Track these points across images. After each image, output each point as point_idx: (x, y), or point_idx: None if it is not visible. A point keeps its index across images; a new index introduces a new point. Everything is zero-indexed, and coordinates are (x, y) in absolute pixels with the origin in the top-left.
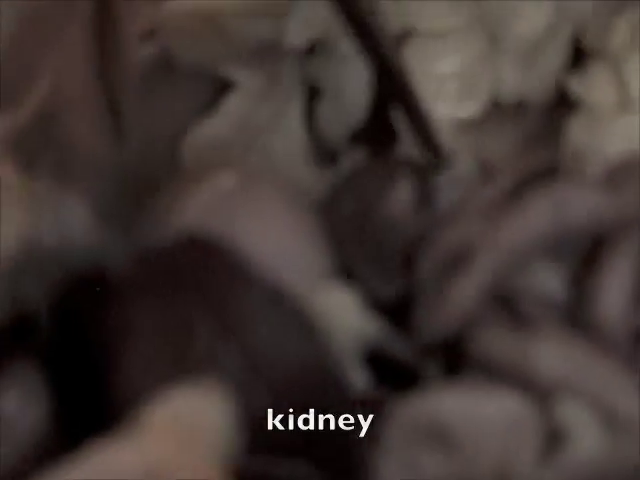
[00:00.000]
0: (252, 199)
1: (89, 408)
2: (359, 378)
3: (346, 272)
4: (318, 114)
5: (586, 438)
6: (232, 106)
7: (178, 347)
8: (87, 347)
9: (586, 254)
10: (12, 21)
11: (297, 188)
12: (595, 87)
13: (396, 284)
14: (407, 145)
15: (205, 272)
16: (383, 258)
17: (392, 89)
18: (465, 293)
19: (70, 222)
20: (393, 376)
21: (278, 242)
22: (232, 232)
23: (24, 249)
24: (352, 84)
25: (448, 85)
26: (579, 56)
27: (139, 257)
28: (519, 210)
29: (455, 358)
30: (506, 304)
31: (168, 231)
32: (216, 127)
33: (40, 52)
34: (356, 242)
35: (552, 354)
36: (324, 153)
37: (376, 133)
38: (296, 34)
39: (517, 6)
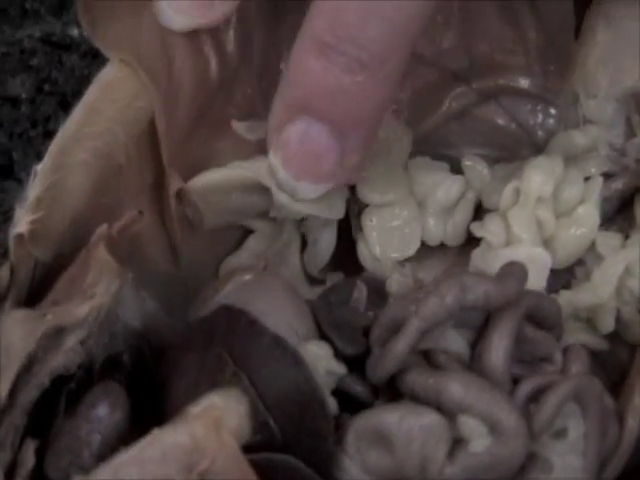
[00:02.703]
0: (263, 285)
1: (154, 417)
2: (331, 403)
3: (322, 337)
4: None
5: (479, 442)
6: (252, 243)
7: (211, 378)
8: (153, 377)
9: (480, 325)
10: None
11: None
12: (489, 229)
13: (355, 346)
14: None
15: (230, 327)
16: (347, 330)
17: None
18: (400, 349)
19: (146, 311)
20: (353, 408)
21: (280, 313)
22: (249, 306)
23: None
24: (323, 238)
25: (394, 236)
26: (480, 211)
27: (188, 325)
28: (436, 291)
29: (393, 392)
30: (426, 356)
31: (207, 310)
32: (242, 257)
33: (123, 202)
34: (329, 320)
35: (456, 385)
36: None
37: (348, 262)
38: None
39: (437, 181)
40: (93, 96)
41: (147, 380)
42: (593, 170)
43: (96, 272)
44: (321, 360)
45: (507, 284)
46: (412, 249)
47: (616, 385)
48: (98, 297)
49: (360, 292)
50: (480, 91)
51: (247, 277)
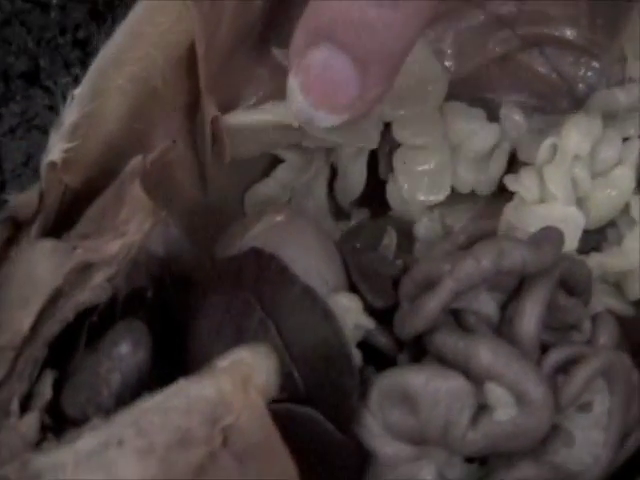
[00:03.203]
0: (295, 229)
1: (177, 357)
2: (355, 355)
3: (351, 289)
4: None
5: (504, 411)
6: (280, 173)
7: (237, 323)
8: (178, 315)
9: (512, 288)
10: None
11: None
12: (524, 184)
13: (385, 299)
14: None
15: (260, 273)
16: (377, 282)
17: None
18: (432, 309)
19: (170, 237)
20: (375, 359)
21: (310, 259)
22: (280, 251)
23: (141, 249)
24: (354, 169)
25: (423, 180)
26: (514, 162)
27: (215, 262)
28: (472, 254)
29: (418, 347)
30: (456, 316)
31: (235, 249)
32: (269, 187)
33: (155, 126)
34: (359, 270)
35: (486, 351)
36: (340, 212)
37: (374, 201)
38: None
39: (472, 129)
40: (135, 19)
41: (170, 315)
42: (632, 131)
43: (130, 209)
44: (350, 313)
45: (544, 251)
46: (442, 195)
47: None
48: (130, 235)
49: (390, 238)
50: (524, 38)
51: (278, 218)
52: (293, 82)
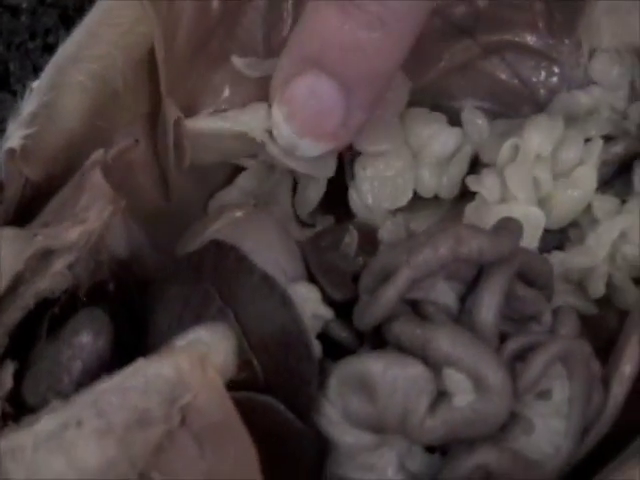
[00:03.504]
0: (255, 224)
1: (136, 350)
2: (315, 347)
3: (311, 281)
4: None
5: (463, 397)
6: (242, 181)
7: (196, 313)
8: (137, 304)
9: (470, 278)
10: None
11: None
12: (485, 184)
13: (344, 292)
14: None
15: (219, 263)
16: (336, 275)
17: None
18: (389, 297)
19: (132, 240)
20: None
21: (269, 251)
22: (239, 243)
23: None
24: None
25: (385, 186)
26: (476, 165)
27: (175, 259)
28: (430, 241)
29: (378, 339)
30: (414, 306)
31: (196, 244)
32: (231, 194)
33: (117, 125)
34: (319, 264)
35: (443, 337)
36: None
37: (339, 208)
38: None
39: (433, 133)
40: (94, 19)
41: (131, 311)
42: (593, 132)
43: (90, 196)
44: (309, 302)
45: (502, 239)
46: (404, 199)
47: (603, 351)
48: (90, 222)
49: (351, 237)
50: (484, 46)
51: (238, 214)
52: (277, 112)
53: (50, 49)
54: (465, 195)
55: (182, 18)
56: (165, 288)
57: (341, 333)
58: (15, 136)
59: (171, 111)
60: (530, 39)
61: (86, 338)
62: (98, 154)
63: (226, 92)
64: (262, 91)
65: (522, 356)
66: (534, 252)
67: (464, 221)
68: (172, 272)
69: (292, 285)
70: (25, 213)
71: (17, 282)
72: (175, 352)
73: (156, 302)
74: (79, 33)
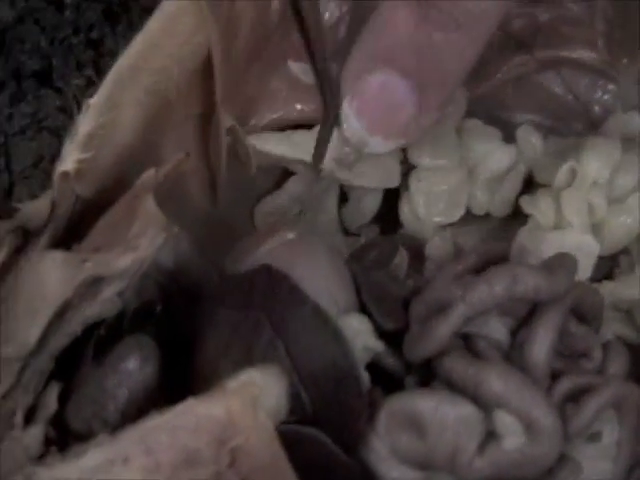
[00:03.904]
0: (306, 248)
1: (183, 372)
2: (363, 377)
3: (361, 310)
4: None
5: (512, 438)
6: (291, 186)
7: (246, 341)
8: (186, 330)
9: (523, 314)
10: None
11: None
12: (539, 207)
13: (395, 321)
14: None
15: (270, 290)
16: (387, 303)
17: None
18: (443, 333)
19: (179, 250)
20: (383, 381)
21: (321, 279)
22: (290, 269)
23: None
24: (368, 199)
25: (440, 200)
26: (530, 184)
27: (225, 278)
28: (486, 279)
29: (426, 370)
30: (465, 340)
31: (246, 264)
32: (279, 199)
33: (168, 138)
34: (369, 290)
35: (496, 378)
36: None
37: (384, 218)
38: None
39: (489, 150)
40: (154, 28)
41: (178, 330)
42: None
43: (142, 223)
44: (360, 335)
45: (557, 278)
46: (457, 215)
47: None
48: (141, 250)
49: (402, 258)
50: (541, 60)
51: (290, 236)
52: (348, 108)
53: (93, 44)
54: (516, 214)
55: (242, 20)
56: (214, 311)
57: (389, 361)
58: (70, 159)
59: (225, 119)
60: (588, 56)
61: (133, 365)
62: (150, 175)
63: (283, 98)
64: (319, 97)
65: (574, 397)
66: (587, 286)
67: (515, 243)
68: (221, 293)
69: (343, 317)
70: (75, 229)
71: (65, 308)
72: (227, 393)
73: (204, 325)
74: (138, 44)
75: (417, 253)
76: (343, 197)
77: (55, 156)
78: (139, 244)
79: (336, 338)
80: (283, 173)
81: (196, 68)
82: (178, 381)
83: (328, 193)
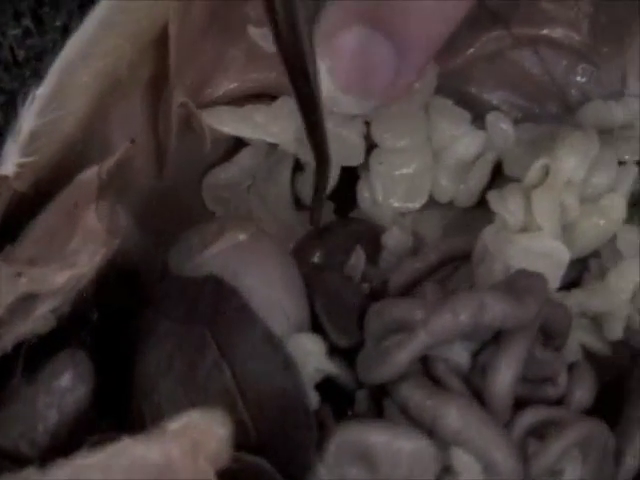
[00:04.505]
0: (258, 252)
1: (120, 392)
2: (312, 398)
3: (314, 324)
4: (298, 180)
5: (469, 477)
6: (244, 158)
7: (189, 359)
8: (122, 344)
9: (486, 338)
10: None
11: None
12: (508, 207)
13: (349, 338)
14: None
15: (218, 306)
16: (341, 317)
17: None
18: (401, 361)
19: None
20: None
21: (272, 291)
22: (240, 277)
23: None
24: None
25: (400, 185)
26: (498, 173)
27: (169, 280)
28: (450, 306)
29: (380, 389)
30: (425, 363)
31: (193, 264)
32: (229, 172)
33: (115, 121)
34: (323, 299)
35: (454, 414)
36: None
37: (340, 194)
38: None
39: (456, 135)
40: (108, 6)
41: (116, 335)
42: (627, 157)
43: (81, 238)
44: (312, 356)
45: (526, 306)
46: (418, 203)
47: (613, 387)
48: (79, 266)
49: (358, 258)
50: (518, 37)
51: (241, 237)
52: (321, 65)
53: None
54: (481, 202)
55: None
56: (156, 321)
57: (340, 375)
58: (11, 162)
59: (178, 93)
60: (569, 37)
61: (65, 383)
62: (92, 173)
63: (240, 66)
64: (280, 67)
65: (536, 430)
66: (555, 304)
67: (479, 245)
68: (164, 298)
69: (295, 336)
70: (8, 221)
71: None
72: (166, 436)
73: (145, 336)
74: (90, 24)
75: (374, 243)
76: (298, 167)
77: None
78: (77, 260)
79: (286, 366)
80: (235, 144)
81: (150, 39)
82: (116, 392)
83: (281, 164)
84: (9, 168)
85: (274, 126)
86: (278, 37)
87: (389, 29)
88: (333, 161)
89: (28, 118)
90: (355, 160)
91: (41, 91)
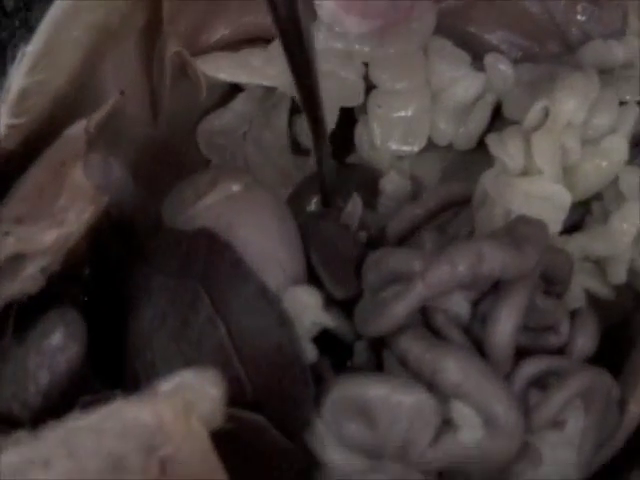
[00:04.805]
0: (252, 203)
1: (113, 349)
2: (310, 352)
3: (311, 275)
4: (296, 123)
5: (470, 431)
6: (239, 104)
7: (182, 315)
8: (115, 298)
9: (486, 287)
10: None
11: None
12: (508, 150)
13: (346, 289)
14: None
15: (211, 260)
16: (338, 268)
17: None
18: (399, 313)
19: (112, 180)
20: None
21: (268, 242)
22: (235, 229)
23: None
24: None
25: (398, 127)
26: (497, 116)
27: (162, 234)
28: (448, 257)
29: (379, 340)
30: (424, 314)
31: (186, 216)
32: (224, 118)
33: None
34: (319, 250)
35: (454, 367)
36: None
37: (338, 138)
38: None
39: (455, 77)
40: None
41: (108, 288)
42: (628, 97)
43: (69, 196)
44: (309, 309)
45: (525, 255)
46: (416, 146)
47: (617, 329)
48: (68, 224)
49: (355, 206)
50: None
51: (235, 188)
52: None
53: None
54: (480, 144)
55: None
56: (149, 276)
57: (338, 329)
58: (1, 122)
59: (172, 41)
60: None
61: (56, 342)
62: (80, 127)
63: (235, 10)
64: None
65: (538, 380)
66: (556, 250)
67: (479, 189)
68: (158, 254)
69: (291, 289)
70: None
71: None
72: (158, 397)
73: (138, 290)
74: None
75: (372, 187)
76: (295, 109)
77: None
78: (65, 218)
79: (281, 322)
80: (230, 89)
81: None
82: (109, 347)
83: (278, 108)
84: None
85: (271, 69)
86: None
87: None
88: (332, 102)
89: (17, 77)
90: (354, 100)
91: (30, 48)
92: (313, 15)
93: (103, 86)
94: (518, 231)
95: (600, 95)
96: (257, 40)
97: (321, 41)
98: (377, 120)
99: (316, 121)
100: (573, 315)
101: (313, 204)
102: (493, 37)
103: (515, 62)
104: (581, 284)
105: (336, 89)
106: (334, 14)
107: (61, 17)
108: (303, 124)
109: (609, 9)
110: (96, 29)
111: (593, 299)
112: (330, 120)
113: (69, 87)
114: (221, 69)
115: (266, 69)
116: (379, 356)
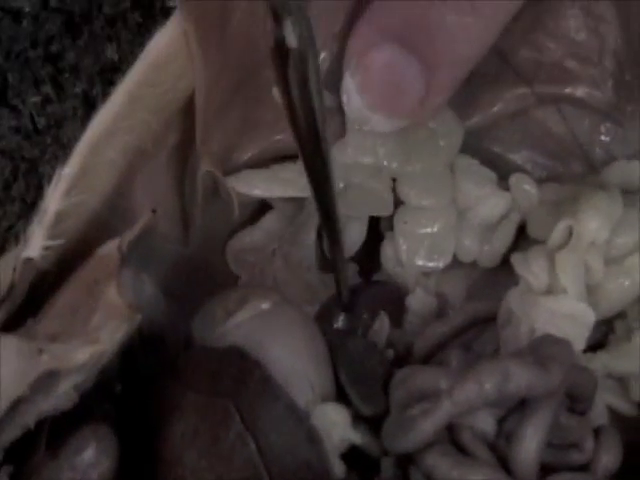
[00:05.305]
0: (281, 321)
1: (144, 463)
2: (338, 468)
3: (339, 392)
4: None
5: None
6: (268, 222)
7: (213, 431)
8: (146, 413)
9: (512, 405)
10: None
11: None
12: (532, 269)
13: (374, 407)
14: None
15: (241, 378)
16: (366, 385)
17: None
18: (426, 431)
19: (144, 297)
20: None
21: (297, 360)
22: (264, 347)
23: None
24: (354, 226)
25: (424, 244)
26: (521, 233)
27: (193, 351)
28: (475, 376)
29: (407, 463)
30: (450, 430)
31: (216, 334)
32: (254, 236)
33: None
34: (347, 367)
35: None
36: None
37: (364, 256)
38: None
39: (481, 196)
40: (135, 80)
41: (139, 407)
42: None
43: (103, 314)
44: (337, 426)
45: (551, 374)
46: (442, 262)
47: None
48: (101, 343)
49: (382, 324)
50: (542, 96)
51: (264, 306)
52: (350, 82)
53: (52, 59)
54: (504, 262)
55: (231, 54)
56: (180, 393)
57: (366, 445)
58: (36, 244)
59: (204, 162)
60: (592, 96)
61: (89, 459)
62: (113, 247)
63: (266, 128)
64: None
65: None
66: (581, 369)
67: (504, 307)
68: (188, 372)
69: (320, 406)
70: (29, 294)
71: (18, 401)
72: None
73: (169, 407)
74: (116, 99)
75: (398, 305)
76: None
77: (9, 181)
78: (99, 337)
79: (310, 439)
80: (260, 207)
81: (177, 109)
82: (141, 464)
83: (306, 226)
84: (35, 251)
85: (303, 180)
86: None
87: (418, 48)
88: (361, 213)
89: (54, 199)
90: (384, 210)
91: (67, 171)
92: (335, 135)
93: (135, 204)
94: (544, 350)
95: (623, 215)
96: (286, 158)
97: (350, 155)
98: (403, 236)
99: (334, 237)
100: (597, 432)
101: (340, 321)
102: (518, 157)
103: (539, 182)
104: (604, 401)
105: (366, 199)
106: (360, 112)
107: (97, 139)
108: None
109: (632, 129)
110: (131, 150)
111: (615, 415)
112: (360, 230)
113: (102, 207)
114: (254, 185)
115: (298, 181)
116: (405, 472)
